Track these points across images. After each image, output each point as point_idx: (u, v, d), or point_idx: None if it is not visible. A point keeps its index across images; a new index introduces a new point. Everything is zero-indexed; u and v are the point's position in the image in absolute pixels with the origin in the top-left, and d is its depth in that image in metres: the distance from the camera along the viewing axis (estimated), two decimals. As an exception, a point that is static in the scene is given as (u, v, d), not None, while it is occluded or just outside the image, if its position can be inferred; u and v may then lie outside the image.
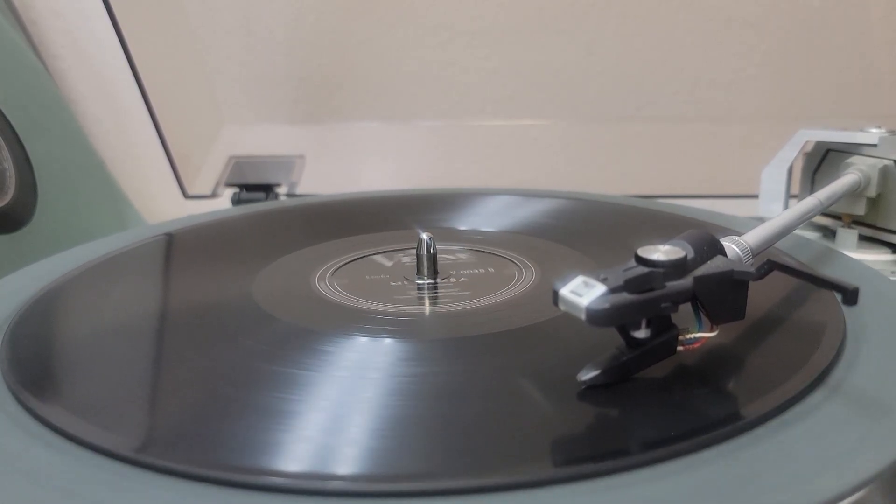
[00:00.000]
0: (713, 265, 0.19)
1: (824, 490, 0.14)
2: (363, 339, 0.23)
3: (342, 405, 0.19)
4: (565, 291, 0.17)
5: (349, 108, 0.58)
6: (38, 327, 0.25)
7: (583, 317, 0.17)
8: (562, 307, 0.17)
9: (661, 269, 0.18)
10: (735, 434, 0.16)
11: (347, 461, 0.16)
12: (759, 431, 0.17)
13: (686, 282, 0.18)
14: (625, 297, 0.17)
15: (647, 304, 0.17)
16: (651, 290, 0.18)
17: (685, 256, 0.19)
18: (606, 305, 0.17)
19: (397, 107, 0.57)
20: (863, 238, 0.36)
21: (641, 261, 0.18)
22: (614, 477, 0.15)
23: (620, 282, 0.17)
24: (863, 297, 0.24)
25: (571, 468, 0.15)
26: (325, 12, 0.55)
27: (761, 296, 0.24)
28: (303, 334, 0.23)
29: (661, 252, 0.18)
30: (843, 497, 0.14)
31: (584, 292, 0.17)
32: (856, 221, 0.37)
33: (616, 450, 0.16)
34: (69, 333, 0.25)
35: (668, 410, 0.18)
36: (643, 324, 0.18)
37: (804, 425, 0.17)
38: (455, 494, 0.15)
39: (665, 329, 0.19)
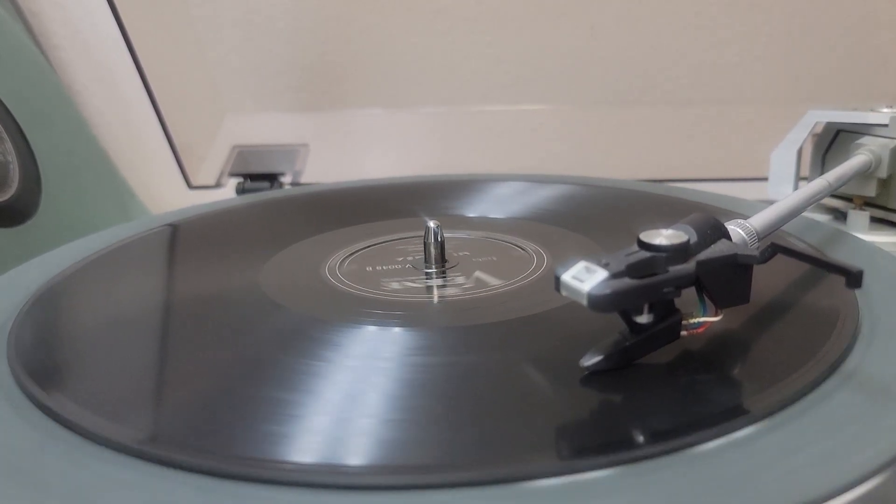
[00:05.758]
0: (717, 249, 0.19)
1: (838, 480, 0.14)
2: (372, 329, 0.22)
3: (352, 395, 0.19)
4: (567, 277, 0.17)
5: (352, 96, 0.57)
6: (44, 320, 0.25)
7: (584, 302, 0.17)
8: (563, 293, 0.17)
9: (663, 254, 0.18)
10: (745, 424, 0.16)
11: (358, 452, 0.16)
12: (771, 421, 0.16)
13: (689, 266, 0.18)
14: (626, 282, 0.17)
15: (649, 289, 0.17)
16: (653, 274, 0.17)
17: (688, 241, 0.18)
18: (608, 291, 0.16)
19: (400, 93, 0.57)
20: (874, 220, 0.36)
21: (644, 245, 0.18)
22: (619, 468, 0.15)
23: (622, 267, 0.17)
24: (877, 280, 0.24)
25: (575, 461, 0.15)
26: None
27: (774, 280, 0.24)
28: (311, 324, 0.23)
29: (663, 236, 0.18)
30: (856, 486, 0.14)
31: (585, 277, 0.17)
32: (867, 203, 0.36)
33: (621, 441, 0.16)
34: (75, 326, 0.25)
35: (676, 399, 0.18)
36: (645, 309, 0.18)
37: (817, 414, 0.17)
38: (465, 486, 0.15)
39: (668, 314, 0.19)
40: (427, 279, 0.28)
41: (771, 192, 0.37)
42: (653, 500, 0.14)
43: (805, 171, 0.38)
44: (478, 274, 0.27)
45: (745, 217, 0.23)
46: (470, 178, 0.43)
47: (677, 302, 0.19)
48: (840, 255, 0.28)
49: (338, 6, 0.55)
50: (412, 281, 0.27)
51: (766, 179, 0.38)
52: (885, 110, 0.35)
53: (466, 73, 0.56)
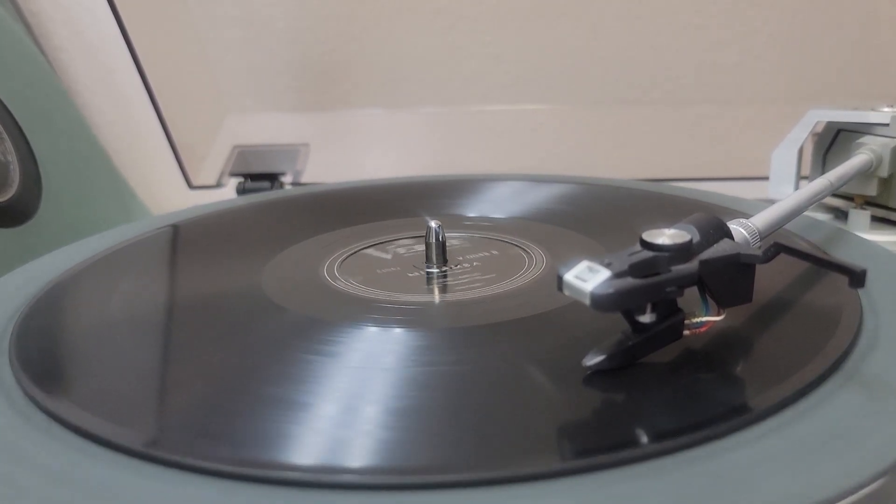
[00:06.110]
0: (719, 248, 0.19)
1: (841, 481, 0.14)
2: (373, 329, 0.22)
3: (353, 396, 0.19)
4: (570, 277, 0.17)
5: (352, 96, 0.57)
6: (46, 321, 0.25)
7: (587, 302, 0.17)
8: (566, 292, 0.17)
9: (665, 254, 0.18)
10: (747, 423, 0.16)
11: (359, 453, 0.16)
12: (773, 421, 0.16)
13: (691, 266, 0.18)
14: (629, 281, 0.17)
15: (651, 289, 0.17)
16: (656, 274, 0.17)
17: (690, 240, 0.18)
18: (611, 290, 0.16)
19: (400, 93, 0.57)
20: (875, 219, 0.36)
21: (646, 245, 0.18)
22: (621, 469, 0.15)
23: (625, 266, 0.17)
24: (879, 280, 0.24)
25: (577, 461, 0.15)
26: (327, -1, 0.54)
27: (776, 279, 0.24)
28: (313, 325, 0.23)
29: (666, 236, 0.18)
30: (861, 488, 0.14)
31: (588, 277, 0.17)
32: (868, 202, 0.36)
33: (623, 441, 0.16)
34: (77, 327, 0.25)
35: (678, 399, 0.18)
36: (648, 308, 0.18)
37: (820, 414, 0.17)
38: (468, 487, 0.15)
39: (671, 313, 0.19)
40: (428, 279, 0.28)
41: (772, 192, 0.37)
42: (655, 499, 0.14)
43: (806, 171, 0.38)
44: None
45: (748, 216, 0.23)
46: (470, 177, 0.43)
47: (680, 301, 0.19)
48: (842, 254, 0.28)
49: (338, 6, 0.55)
50: (413, 281, 0.27)
51: (767, 179, 0.38)
52: (886, 109, 0.35)
53: (466, 72, 0.56)
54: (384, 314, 0.24)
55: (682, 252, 0.18)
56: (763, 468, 0.15)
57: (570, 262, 0.17)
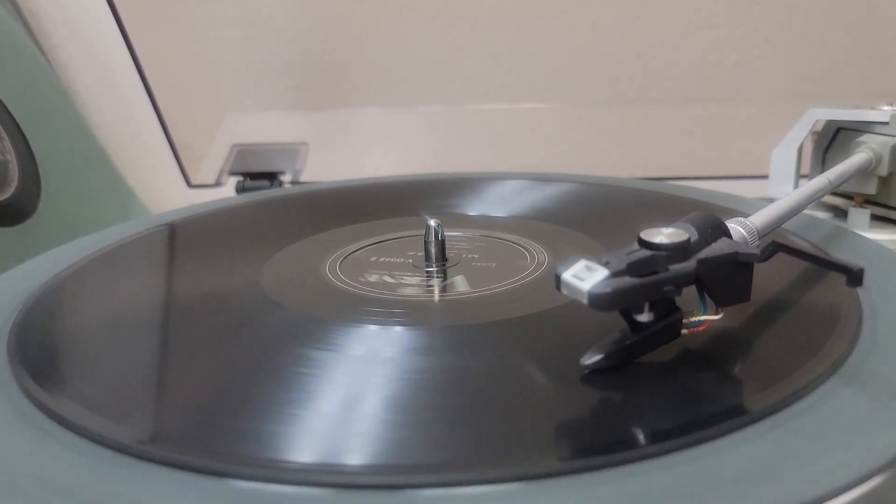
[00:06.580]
0: (717, 247, 0.19)
1: (840, 478, 0.14)
2: (372, 328, 0.22)
3: (352, 394, 0.19)
4: (567, 275, 0.17)
5: (352, 95, 0.57)
6: (44, 319, 0.25)
7: (585, 301, 0.17)
8: (564, 291, 0.17)
9: (663, 252, 0.18)
10: (746, 423, 0.16)
11: (358, 452, 0.16)
12: (772, 420, 0.16)
13: (689, 265, 0.18)
14: (627, 280, 0.17)
15: (649, 288, 0.17)
16: (654, 273, 0.17)
17: (688, 239, 0.18)
18: (608, 289, 0.16)
19: (400, 92, 0.57)
20: (875, 217, 0.36)
21: (644, 244, 0.18)
22: (619, 467, 0.15)
23: (623, 265, 0.17)
24: (878, 278, 0.24)
25: (573, 461, 0.15)
26: (327, -2, 0.54)
27: (775, 278, 0.24)
28: (311, 323, 0.23)
29: (663, 235, 0.18)
30: (859, 486, 0.14)
31: (586, 276, 0.17)
32: (867, 201, 0.36)
33: (621, 441, 0.16)
34: (75, 325, 0.25)
35: (677, 398, 0.18)
36: (646, 307, 0.18)
37: (819, 413, 0.17)
38: (465, 486, 0.15)
39: (669, 312, 0.19)
40: (427, 277, 0.28)
41: (771, 191, 0.37)
42: (653, 499, 0.14)
43: (805, 169, 0.38)
44: (457, 279, 0.27)
45: (746, 215, 0.23)
46: (470, 176, 0.43)
47: (678, 300, 0.19)
48: (841, 253, 0.28)
49: (338, 5, 0.55)
50: (412, 280, 0.27)
51: (766, 177, 0.38)
52: (886, 108, 0.35)
53: (466, 71, 0.56)
54: (383, 312, 0.24)
55: (680, 251, 0.18)
56: (761, 468, 0.15)
57: (568, 261, 0.17)
